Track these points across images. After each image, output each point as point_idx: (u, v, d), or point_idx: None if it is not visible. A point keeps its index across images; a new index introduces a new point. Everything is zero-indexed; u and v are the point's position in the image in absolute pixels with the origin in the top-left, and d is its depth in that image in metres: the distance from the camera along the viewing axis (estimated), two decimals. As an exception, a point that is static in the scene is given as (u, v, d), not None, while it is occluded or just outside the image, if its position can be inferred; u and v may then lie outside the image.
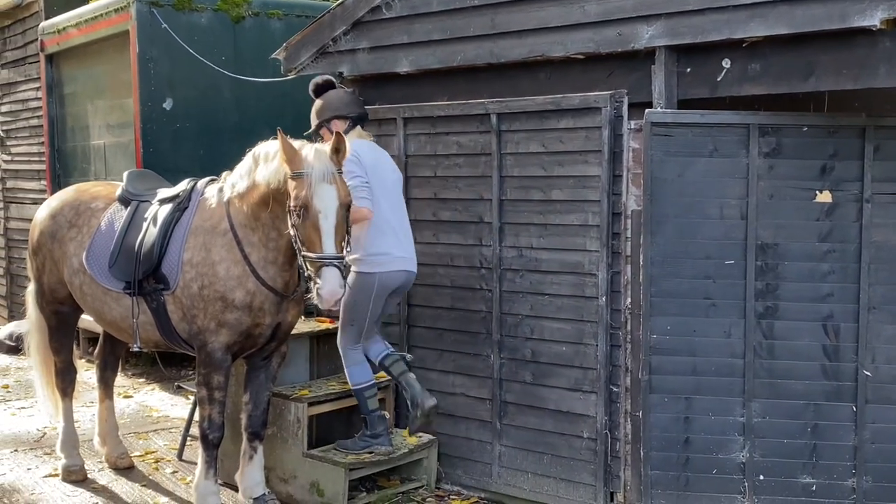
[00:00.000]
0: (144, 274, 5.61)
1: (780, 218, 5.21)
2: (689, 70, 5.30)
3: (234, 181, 5.54)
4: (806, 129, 5.14)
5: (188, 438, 7.00)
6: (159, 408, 8.44)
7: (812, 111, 5.83)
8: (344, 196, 5.09)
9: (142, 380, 9.43)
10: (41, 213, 6.45)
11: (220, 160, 9.01)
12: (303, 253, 5.07)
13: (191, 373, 8.81)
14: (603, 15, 5.45)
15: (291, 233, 5.13)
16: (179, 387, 8.45)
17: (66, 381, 6.62)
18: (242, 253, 5.42)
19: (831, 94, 5.79)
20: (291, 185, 5.08)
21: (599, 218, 5.53)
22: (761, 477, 5.31)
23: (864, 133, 5.07)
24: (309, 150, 5.14)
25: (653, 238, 5.35)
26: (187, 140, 8.87)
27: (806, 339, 5.24)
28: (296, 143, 5.20)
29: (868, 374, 5.16)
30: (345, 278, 5.04)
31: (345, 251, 5.10)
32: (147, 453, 7.13)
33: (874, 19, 4.54)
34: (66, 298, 6.27)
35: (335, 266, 4.97)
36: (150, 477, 6.61)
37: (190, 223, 5.60)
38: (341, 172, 5.15)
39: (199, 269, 5.48)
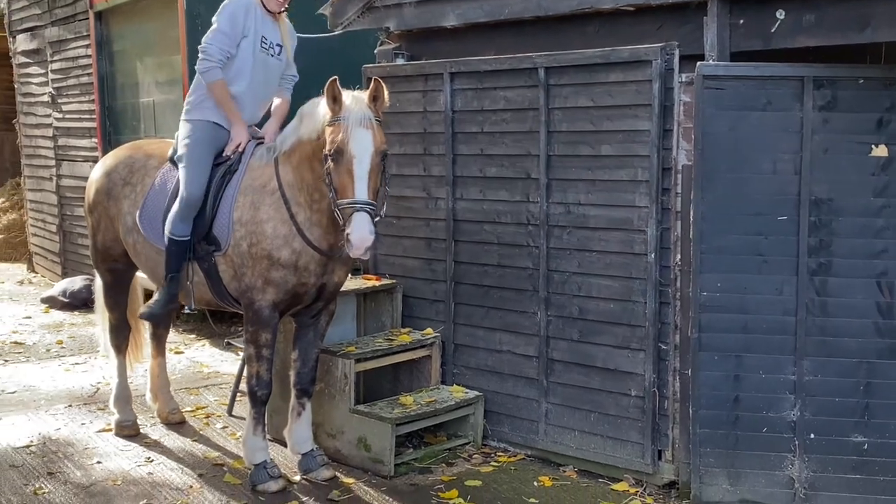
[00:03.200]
0: (197, 237, 5.63)
1: (835, 173, 5.08)
2: (741, 22, 5.18)
3: (282, 139, 5.56)
4: (862, 81, 5.00)
5: (238, 394, 7.06)
6: (210, 364, 8.52)
7: (868, 63, 5.69)
8: (380, 143, 5.10)
9: (193, 336, 9.53)
10: (96, 171, 6.49)
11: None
12: (336, 200, 5.08)
13: (240, 329, 8.85)
14: (653, -35, 5.34)
15: (326, 181, 5.15)
16: (229, 343, 8.51)
17: (119, 337, 6.69)
18: (290, 212, 5.44)
19: (888, 46, 5.64)
20: (328, 130, 5.13)
21: (649, 173, 5.45)
22: (812, 435, 5.24)
23: (922, 85, 4.93)
24: (347, 96, 5.16)
25: (703, 194, 5.26)
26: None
27: (859, 296, 5.13)
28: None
29: (923, 332, 5.06)
30: (375, 226, 5.03)
31: (381, 200, 5.14)
32: (198, 409, 7.21)
33: (935, -33, 4.40)
34: (120, 256, 6.33)
35: (366, 212, 4.97)
36: (201, 432, 6.68)
37: (239, 183, 5.59)
38: (379, 120, 5.15)
39: (248, 228, 5.50)
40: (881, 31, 4.75)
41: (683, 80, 5.29)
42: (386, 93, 5.19)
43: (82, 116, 11.53)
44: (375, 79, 5.17)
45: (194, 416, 7.03)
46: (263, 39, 5.81)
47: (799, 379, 5.24)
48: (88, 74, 11.10)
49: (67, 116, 11.98)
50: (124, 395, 6.68)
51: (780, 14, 5.02)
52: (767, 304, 5.25)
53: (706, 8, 5.19)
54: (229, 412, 7.06)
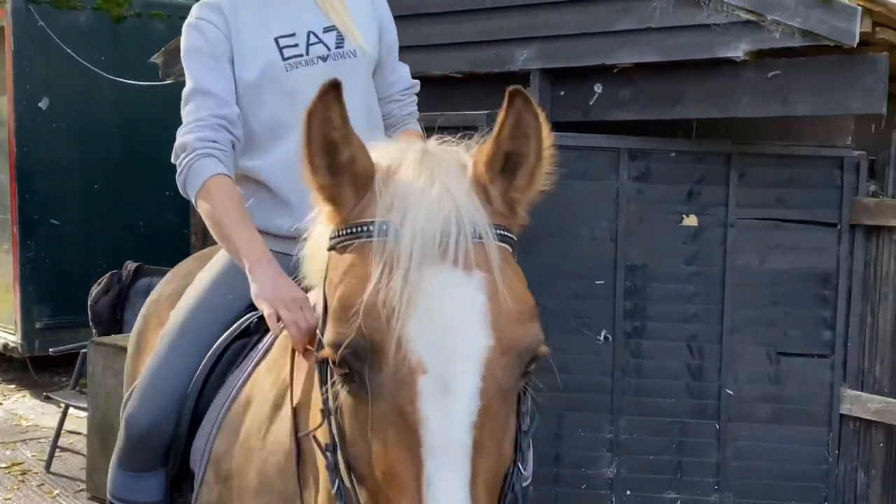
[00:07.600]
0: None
1: (649, 240, 5.31)
2: (562, 94, 5.37)
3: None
4: (674, 154, 5.26)
5: (57, 450, 6.81)
6: (29, 416, 8.19)
7: (681, 137, 5.97)
8: (517, 314, 1.69)
9: (12, 386, 9.14)
10: None
11: (98, 162, 8.86)
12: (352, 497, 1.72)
13: (64, 380, 8.59)
14: (480, 35, 5.49)
15: (318, 439, 1.83)
16: (48, 396, 8.15)
17: None
18: (299, 480, 2.15)
19: (699, 121, 5.93)
20: (332, 268, 1.79)
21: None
22: (628, 492, 5.41)
23: (729, 159, 5.20)
24: (397, 150, 1.83)
25: (527, 257, 5.39)
26: (64, 140, 8.67)
27: (672, 359, 5.36)
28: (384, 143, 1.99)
29: (730, 392, 5.30)
30: None
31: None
32: (13, 465, 6.91)
33: (738, 51, 4.67)
34: None
35: None
36: (16, 490, 6.42)
37: (249, 370, 2.49)
38: (510, 239, 1.79)
39: (220, 479, 2.51)
40: (691, 107, 5.02)
41: (508, 146, 5.41)
42: (546, 133, 1.82)
43: None
44: (516, 93, 1.73)
45: (10, 472, 6.74)
46: (281, 40, 2.72)
47: (615, 437, 5.41)
48: None
49: None
50: None
51: (598, 88, 5.24)
52: (587, 364, 5.41)
53: (528, 79, 5.36)
54: (47, 469, 6.79)
